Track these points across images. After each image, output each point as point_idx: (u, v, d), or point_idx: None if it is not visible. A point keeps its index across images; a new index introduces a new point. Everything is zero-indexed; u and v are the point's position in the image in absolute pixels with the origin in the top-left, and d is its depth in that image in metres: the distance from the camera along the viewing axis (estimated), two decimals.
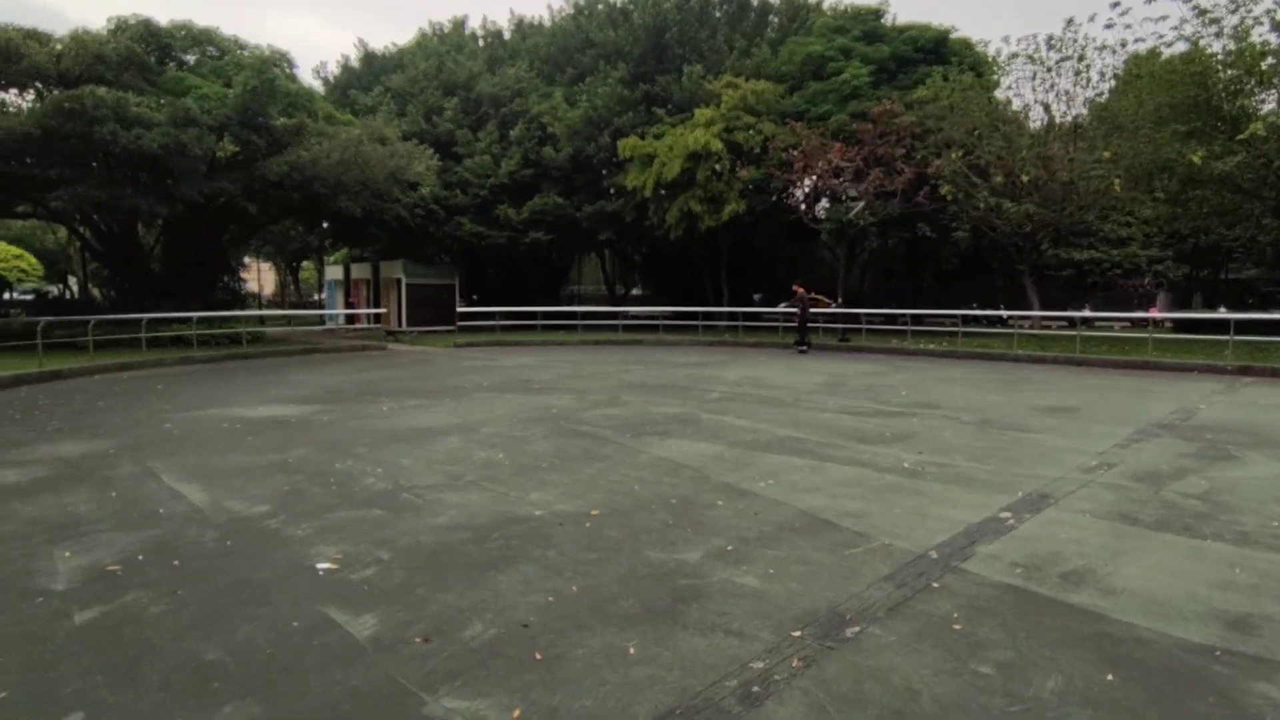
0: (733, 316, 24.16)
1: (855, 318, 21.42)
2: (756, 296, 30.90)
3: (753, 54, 26.11)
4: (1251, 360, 13.71)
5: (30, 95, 18.99)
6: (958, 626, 3.27)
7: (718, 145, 21.71)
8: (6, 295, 33.91)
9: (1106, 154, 18.66)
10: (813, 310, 19.58)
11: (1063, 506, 5.11)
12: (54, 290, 41.56)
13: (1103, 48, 20.75)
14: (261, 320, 26.67)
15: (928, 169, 20.51)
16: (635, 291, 40.68)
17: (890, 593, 3.65)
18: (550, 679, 2.85)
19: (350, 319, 27.96)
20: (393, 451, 6.93)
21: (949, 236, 23.12)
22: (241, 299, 29.63)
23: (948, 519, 4.84)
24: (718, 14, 28.76)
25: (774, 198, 23.87)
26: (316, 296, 52.34)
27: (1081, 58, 20.46)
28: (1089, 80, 20.87)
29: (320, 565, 4.05)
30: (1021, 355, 16.16)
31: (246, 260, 43.35)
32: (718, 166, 22.29)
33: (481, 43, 34.11)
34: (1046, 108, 21.75)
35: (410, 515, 4.95)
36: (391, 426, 8.24)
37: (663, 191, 22.95)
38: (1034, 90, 22.06)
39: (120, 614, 3.44)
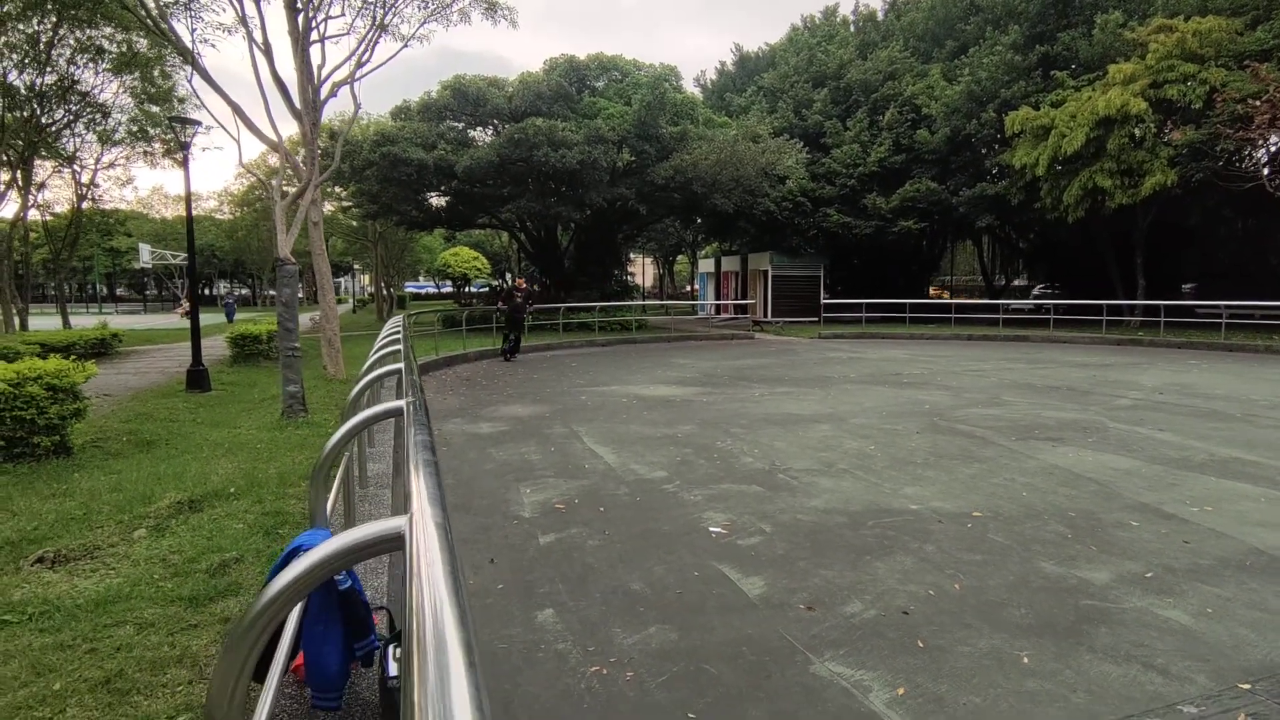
0: (1150, 310, 20.16)
1: None
2: (1187, 287, 25.23)
3: None
4: None
5: (489, 131, 24.16)
6: None
7: (1139, 105, 18.18)
8: (468, 289, 43.72)
9: None
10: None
11: None
12: (497, 284, 52.32)
13: None
14: (644, 309, 30.15)
15: None
16: (1018, 282, 36.33)
17: None
18: (934, 668, 2.87)
19: (719, 309, 30.05)
20: (767, 434, 7.40)
21: None
22: (630, 290, 33.78)
23: None
24: None
25: (1220, 163, 19.18)
26: (688, 288, 57.27)
27: None
28: None
29: (712, 529, 4.58)
30: None
31: (632, 256, 49.28)
32: (1137, 131, 18.70)
33: (853, 28, 33.55)
34: None
35: (786, 494, 5.28)
36: (764, 411, 8.77)
37: (1059, 167, 20.02)
38: None
39: (569, 542, 4.37)
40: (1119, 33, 20.63)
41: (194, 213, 11.54)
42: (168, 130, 19.86)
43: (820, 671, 2.86)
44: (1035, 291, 34.96)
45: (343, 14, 11.27)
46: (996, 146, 23.41)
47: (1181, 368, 12.92)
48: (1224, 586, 3.62)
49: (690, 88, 35.28)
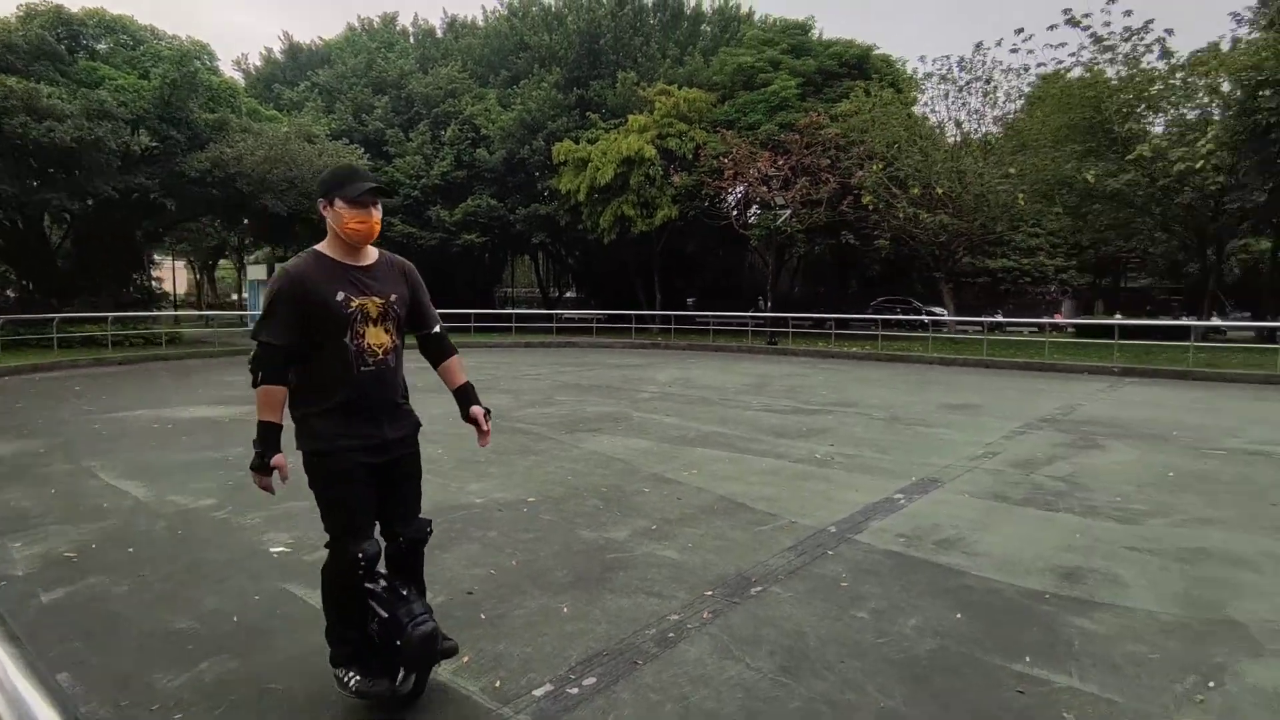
0: (665, 320, 24.81)
1: (783, 321, 22.27)
2: (690, 300, 31.69)
3: (686, 62, 26.86)
4: (1135, 362, 15.07)
5: None
6: (844, 584, 3.84)
7: (650, 151, 22.32)
8: None
9: (1012, 170, 20.12)
10: None
11: (947, 488, 5.82)
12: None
13: (1008, 70, 22.39)
14: (177, 320, 25.81)
15: (851, 179, 21.59)
16: (569, 294, 40.94)
17: (791, 560, 4.21)
18: (494, 633, 3.28)
19: None
20: None
21: (871, 244, 24.37)
22: (157, 299, 28.40)
23: (848, 501, 5.46)
24: (652, 21, 29.43)
25: (706, 203, 24.64)
26: (234, 297, 50.48)
27: (989, 80, 22.01)
28: (996, 100, 22.48)
29: (274, 549, 4.33)
30: (935, 358, 17.24)
31: (158, 259, 41.47)
32: (651, 172, 22.89)
33: (413, 40, 33.84)
34: (959, 124, 23.29)
35: None
36: None
37: (596, 195, 23.39)
38: (947, 107, 23.60)
39: (86, 593, 3.67)
40: (635, 89, 24.95)
41: None
42: None
43: None
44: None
45: None
46: (547, 172, 26.14)
47: (684, 366, 16.27)
48: (700, 527, 4.84)
49: (229, 71, 31.33)
